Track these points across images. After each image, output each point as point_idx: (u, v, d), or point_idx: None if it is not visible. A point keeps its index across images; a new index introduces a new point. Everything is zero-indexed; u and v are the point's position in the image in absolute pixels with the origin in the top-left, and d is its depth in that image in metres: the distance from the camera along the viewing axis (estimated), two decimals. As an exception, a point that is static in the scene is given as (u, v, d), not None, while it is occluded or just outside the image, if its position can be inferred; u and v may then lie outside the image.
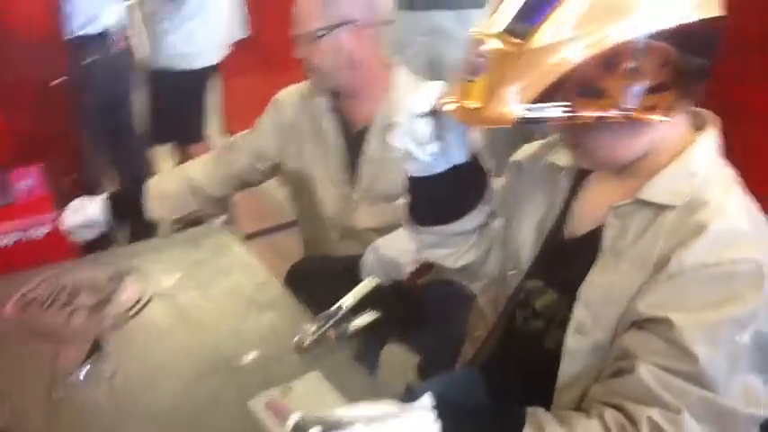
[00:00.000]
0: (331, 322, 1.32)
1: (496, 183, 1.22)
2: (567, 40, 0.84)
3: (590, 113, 0.86)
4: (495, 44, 0.87)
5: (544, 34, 0.84)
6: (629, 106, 0.86)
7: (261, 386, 1.20)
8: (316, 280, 1.60)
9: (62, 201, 1.84)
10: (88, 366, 1.23)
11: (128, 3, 2.84)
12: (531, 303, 1.11)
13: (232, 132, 3.80)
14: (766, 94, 1.41)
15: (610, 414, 0.89)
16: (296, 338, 1.30)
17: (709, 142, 0.97)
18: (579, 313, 0.99)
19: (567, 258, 1.07)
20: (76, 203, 1.80)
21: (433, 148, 1.01)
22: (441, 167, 1.05)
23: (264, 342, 1.34)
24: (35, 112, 2.19)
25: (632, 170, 0.99)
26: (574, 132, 0.98)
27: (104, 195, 1.84)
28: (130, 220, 1.91)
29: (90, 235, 1.81)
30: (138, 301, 1.45)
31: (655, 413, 0.86)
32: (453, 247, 1.19)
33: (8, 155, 2.11)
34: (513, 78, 0.85)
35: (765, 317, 0.87)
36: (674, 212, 0.93)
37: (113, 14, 2.56)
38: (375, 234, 1.61)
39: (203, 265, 1.64)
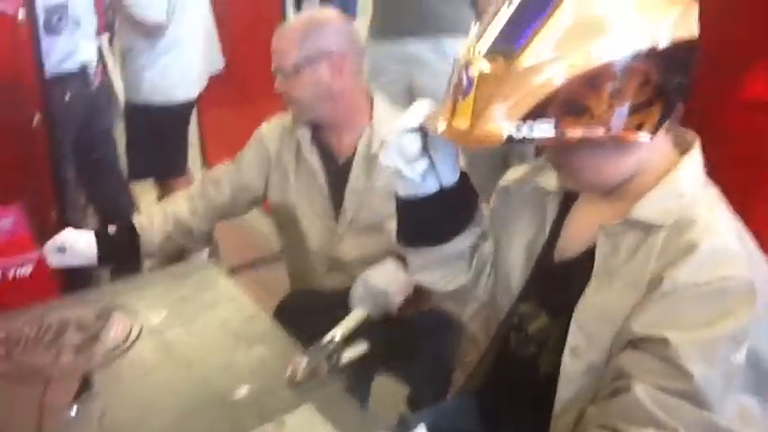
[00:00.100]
0: (323, 355, 1.32)
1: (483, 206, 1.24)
2: (551, 61, 0.86)
3: (576, 132, 0.88)
4: (481, 66, 0.90)
5: (529, 55, 0.87)
6: (613, 125, 0.89)
7: (254, 420, 1.19)
8: (305, 314, 1.60)
9: (43, 239, 1.83)
10: (77, 405, 1.22)
11: (103, 38, 2.85)
12: (524, 328, 1.12)
13: (210, 165, 3.82)
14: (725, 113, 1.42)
15: None
16: (288, 372, 1.29)
17: (694, 162, 1.00)
18: (574, 335, 1.00)
19: (558, 281, 1.09)
20: (65, 237, 1.74)
21: (423, 165, 1.03)
22: (430, 187, 1.07)
23: (255, 376, 1.33)
24: (14, 151, 2.18)
25: (619, 192, 1.01)
26: (560, 153, 1.00)
27: (91, 232, 1.79)
28: (118, 258, 1.86)
29: (70, 263, 1.75)
30: (126, 339, 1.44)
31: None
32: (443, 270, 1.20)
33: (-13, 194, 2.09)
34: (500, 99, 0.87)
35: (758, 333, 0.89)
36: (664, 232, 0.95)
37: (90, 50, 2.56)
38: (362, 265, 1.61)
39: (189, 300, 1.63)
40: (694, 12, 0.92)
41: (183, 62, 2.85)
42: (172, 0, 2.70)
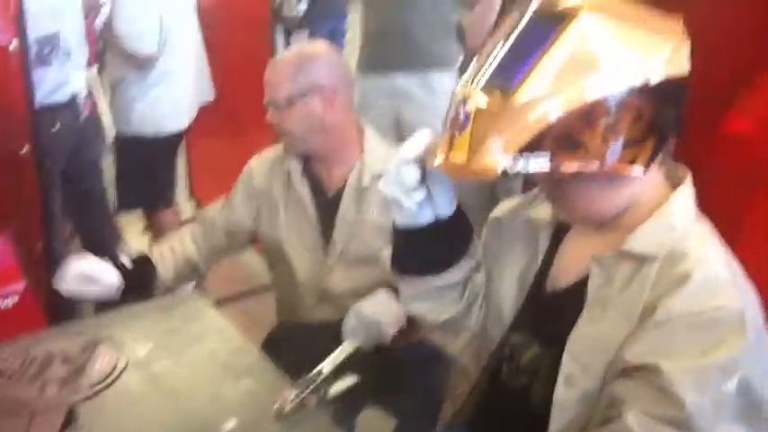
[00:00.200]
0: (311, 387, 1.31)
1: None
2: (547, 96, 0.88)
3: (571, 166, 0.90)
4: (478, 101, 0.91)
5: (524, 91, 0.88)
6: (608, 159, 0.91)
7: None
8: (293, 346, 1.59)
9: (29, 270, 1.81)
10: (62, 439, 1.21)
11: (93, 70, 2.86)
12: (516, 358, 1.12)
13: (196, 196, 3.81)
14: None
15: None
16: (276, 405, 1.28)
17: (685, 196, 1.02)
18: (568, 365, 1.01)
19: (550, 312, 1.09)
20: (92, 266, 1.67)
21: (420, 195, 1.04)
22: (427, 218, 1.08)
23: (243, 409, 1.32)
24: (1, 181, 2.17)
25: (612, 225, 1.02)
26: (555, 185, 1.01)
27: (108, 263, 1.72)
28: (136, 290, 1.77)
29: (90, 294, 1.68)
30: (112, 371, 1.42)
31: None
32: (435, 301, 1.20)
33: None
34: (496, 133, 0.89)
35: (749, 363, 0.90)
36: (658, 263, 0.97)
37: (80, 81, 2.57)
38: (351, 297, 1.61)
39: (176, 332, 1.62)
40: (686, 49, 0.95)
41: (174, 93, 2.86)
42: (163, 32, 2.72)
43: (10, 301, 1.74)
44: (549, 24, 0.91)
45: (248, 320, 2.03)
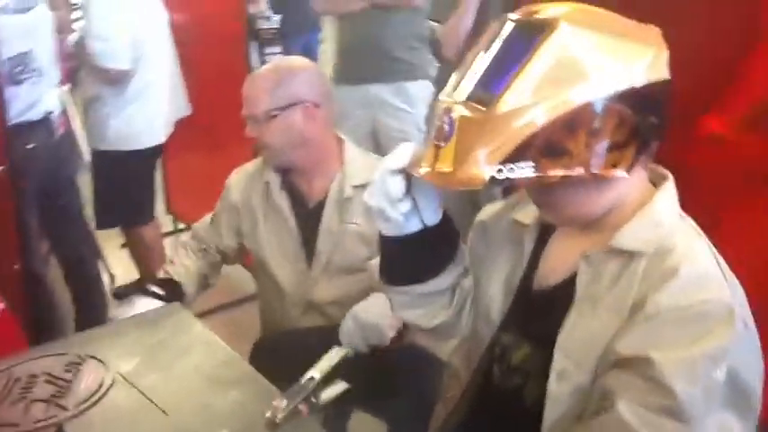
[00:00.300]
0: (303, 395, 1.31)
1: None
2: (530, 105, 0.89)
3: (556, 172, 0.91)
4: (461, 111, 0.93)
5: (507, 100, 0.90)
6: (592, 164, 0.93)
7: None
8: (281, 354, 1.59)
9: (6, 291, 1.79)
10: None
11: (67, 87, 2.84)
12: (507, 358, 1.14)
13: (174, 211, 3.79)
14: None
15: None
16: (267, 414, 1.28)
17: (668, 195, 1.04)
18: (559, 361, 1.02)
19: (539, 310, 1.11)
20: None
21: (406, 206, 1.04)
22: (413, 227, 1.08)
23: (233, 420, 1.31)
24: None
25: (598, 225, 1.04)
26: (542, 191, 1.03)
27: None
28: None
29: None
30: (98, 388, 1.41)
31: None
32: (425, 308, 1.21)
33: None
34: (481, 143, 0.90)
35: (737, 353, 0.92)
36: (645, 259, 0.99)
37: (53, 99, 2.55)
38: (337, 307, 1.61)
39: (163, 345, 1.60)
40: (665, 56, 0.97)
41: (149, 110, 2.85)
42: (137, 48, 2.71)
43: (-11, 322, 1.71)
44: (531, 34, 0.93)
45: (232, 331, 2.02)
